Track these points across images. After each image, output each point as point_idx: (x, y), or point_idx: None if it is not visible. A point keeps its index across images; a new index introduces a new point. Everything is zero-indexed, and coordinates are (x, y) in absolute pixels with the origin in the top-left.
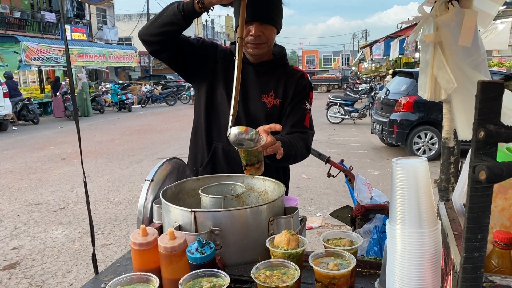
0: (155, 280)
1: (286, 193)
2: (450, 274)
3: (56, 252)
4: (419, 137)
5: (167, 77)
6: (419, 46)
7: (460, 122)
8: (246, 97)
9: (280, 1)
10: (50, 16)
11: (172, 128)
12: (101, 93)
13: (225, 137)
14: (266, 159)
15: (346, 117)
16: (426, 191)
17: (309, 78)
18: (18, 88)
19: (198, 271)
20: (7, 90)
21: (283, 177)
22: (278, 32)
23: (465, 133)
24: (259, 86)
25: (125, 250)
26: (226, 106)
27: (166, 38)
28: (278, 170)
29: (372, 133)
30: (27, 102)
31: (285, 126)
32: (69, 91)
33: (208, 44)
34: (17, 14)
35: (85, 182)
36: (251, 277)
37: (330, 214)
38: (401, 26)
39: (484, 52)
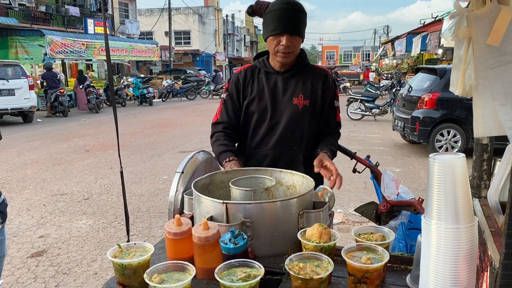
0: (191, 269)
1: None
2: (486, 271)
3: (81, 241)
4: (442, 134)
5: (188, 72)
6: (441, 43)
7: (477, 119)
8: (276, 102)
9: (305, 14)
10: (74, 10)
11: (193, 122)
12: (122, 86)
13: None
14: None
15: (367, 113)
16: (463, 187)
17: (331, 74)
18: (57, 79)
19: (232, 261)
20: (32, 83)
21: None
22: (302, 41)
23: (479, 130)
24: (289, 91)
25: (148, 241)
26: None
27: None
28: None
29: (393, 130)
30: (59, 93)
31: (321, 123)
32: (92, 83)
33: (233, 90)
34: (42, 8)
35: (121, 172)
36: (284, 268)
37: (355, 210)
38: (424, 22)
39: None
